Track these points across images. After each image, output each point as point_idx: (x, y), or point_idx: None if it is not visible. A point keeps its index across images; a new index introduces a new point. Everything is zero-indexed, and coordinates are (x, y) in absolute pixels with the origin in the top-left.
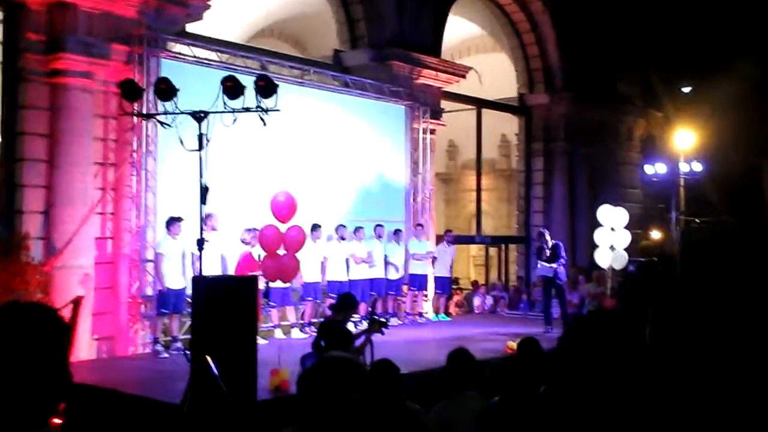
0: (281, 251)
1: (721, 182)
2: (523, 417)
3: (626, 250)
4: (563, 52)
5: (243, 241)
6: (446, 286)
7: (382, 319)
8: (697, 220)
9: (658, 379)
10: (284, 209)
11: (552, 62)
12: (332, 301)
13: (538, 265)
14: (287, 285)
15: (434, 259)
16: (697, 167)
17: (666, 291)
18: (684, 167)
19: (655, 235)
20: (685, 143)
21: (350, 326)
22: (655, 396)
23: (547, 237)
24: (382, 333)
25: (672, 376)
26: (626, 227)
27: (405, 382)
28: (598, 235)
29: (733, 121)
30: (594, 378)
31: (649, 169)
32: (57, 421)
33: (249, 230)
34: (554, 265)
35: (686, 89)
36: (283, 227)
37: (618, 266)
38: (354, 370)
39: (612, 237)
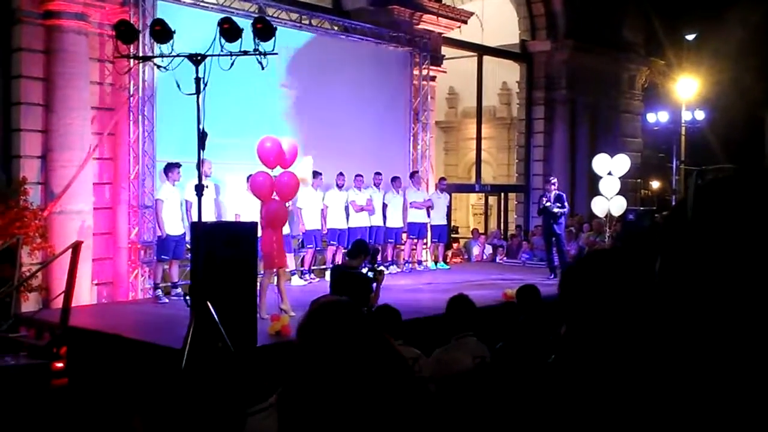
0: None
1: (723, 131)
2: (529, 365)
3: (625, 198)
4: None
5: None
6: (443, 234)
7: (381, 268)
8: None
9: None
10: (272, 155)
11: (555, 8)
12: (332, 248)
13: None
14: (286, 233)
15: (430, 207)
16: (700, 116)
17: (675, 234)
18: (686, 116)
19: (655, 184)
20: (687, 91)
21: None
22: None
23: (551, 186)
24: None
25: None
26: (627, 176)
27: (405, 327)
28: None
29: (736, 69)
30: (602, 319)
31: (650, 117)
32: (59, 364)
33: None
34: (554, 209)
35: (690, 37)
36: (274, 174)
37: (616, 213)
38: (353, 314)
39: (611, 184)
